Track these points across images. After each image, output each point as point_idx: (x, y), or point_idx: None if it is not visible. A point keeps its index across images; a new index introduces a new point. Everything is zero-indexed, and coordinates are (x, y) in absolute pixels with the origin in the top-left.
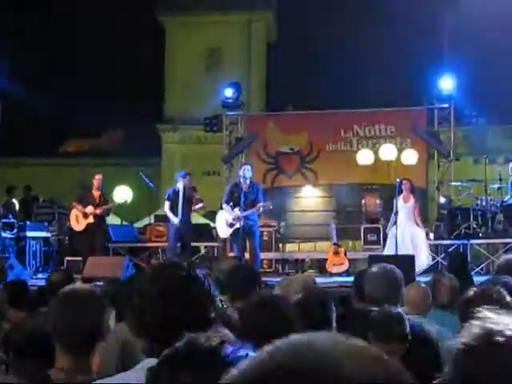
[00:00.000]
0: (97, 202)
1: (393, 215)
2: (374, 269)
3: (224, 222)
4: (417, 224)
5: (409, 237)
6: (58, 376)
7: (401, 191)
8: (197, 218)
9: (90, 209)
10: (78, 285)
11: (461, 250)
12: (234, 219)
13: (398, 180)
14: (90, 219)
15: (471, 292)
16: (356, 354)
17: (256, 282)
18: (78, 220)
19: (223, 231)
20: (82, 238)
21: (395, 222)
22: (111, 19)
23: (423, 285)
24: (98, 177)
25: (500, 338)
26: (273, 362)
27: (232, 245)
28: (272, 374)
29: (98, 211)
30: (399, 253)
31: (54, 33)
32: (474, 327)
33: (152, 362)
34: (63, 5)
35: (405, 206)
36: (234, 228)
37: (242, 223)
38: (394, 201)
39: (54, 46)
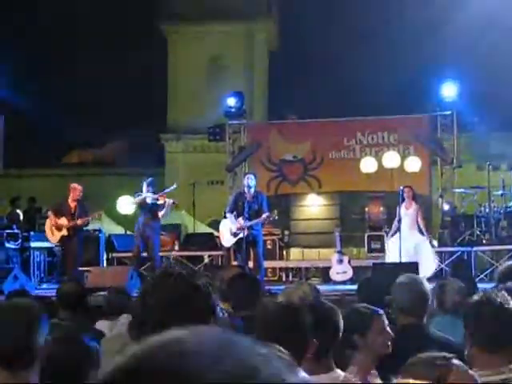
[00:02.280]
0: (71, 213)
1: (396, 223)
2: (404, 279)
3: (228, 232)
4: (420, 230)
5: (412, 244)
6: None
7: (403, 199)
8: (200, 227)
9: (63, 221)
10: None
11: (465, 256)
12: (237, 229)
13: (400, 187)
14: (64, 232)
15: (475, 297)
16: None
17: (258, 291)
18: (53, 232)
19: (227, 240)
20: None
21: (398, 230)
22: (113, 29)
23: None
24: (76, 187)
25: None
26: (141, 358)
27: (236, 254)
28: (138, 371)
29: (72, 223)
30: (402, 260)
31: (56, 44)
32: None
33: None
34: (64, 15)
35: (407, 213)
36: (237, 238)
37: (245, 233)
38: (397, 209)
39: (55, 57)
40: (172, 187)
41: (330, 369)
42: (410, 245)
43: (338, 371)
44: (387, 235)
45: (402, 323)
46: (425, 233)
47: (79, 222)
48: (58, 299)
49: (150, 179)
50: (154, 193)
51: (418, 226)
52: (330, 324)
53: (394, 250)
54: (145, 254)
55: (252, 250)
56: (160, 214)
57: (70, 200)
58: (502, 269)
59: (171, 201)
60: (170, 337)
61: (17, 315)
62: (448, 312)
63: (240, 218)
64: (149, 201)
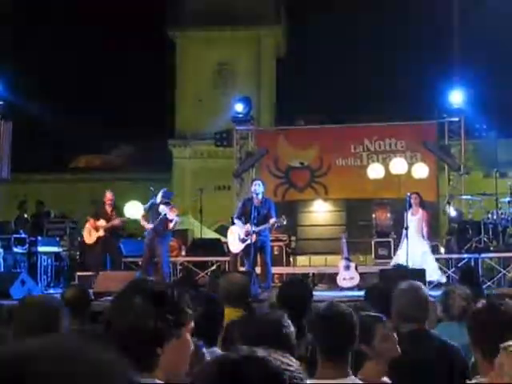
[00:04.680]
0: (109, 217)
1: (404, 230)
2: (403, 286)
3: (236, 237)
4: (423, 235)
5: (419, 251)
6: None
7: (410, 205)
8: (208, 233)
9: (101, 222)
10: None
11: (472, 263)
12: (245, 234)
13: (407, 194)
14: (101, 233)
15: (480, 304)
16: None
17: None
18: (90, 234)
19: (235, 246)
20: (93, 252)
21: (406, 236)
22: (122, 35)
23: (431, 298)
24: (109, 194)
25: None
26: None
27: (243, 259)
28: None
29: (108, 225)
30: (409, 266)
31: (65, 49)
32: None
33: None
34: (74, 20)
35: (413, 219)
36: (245, 243)
37: (253, 239)
38: (405, 215)
39: (64, 61)
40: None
41: (346, 375)
42: (417, 251)
43: (353, 377)
44: (394, 242)
45: (403, 330)
46: (425, 240)
47: (116, 221)
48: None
49: (165, 190)
50: (168, 203)
51: (422, 232)
52: (345, 327)
53: (402, 257)
54: (155, 260)
55: (260, 255)
56: (170, 225)
57: (106, 205)
58: None
59: (179, 219)
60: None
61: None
62: (454, 319)
63: (248, 224)
64: (161, 211)
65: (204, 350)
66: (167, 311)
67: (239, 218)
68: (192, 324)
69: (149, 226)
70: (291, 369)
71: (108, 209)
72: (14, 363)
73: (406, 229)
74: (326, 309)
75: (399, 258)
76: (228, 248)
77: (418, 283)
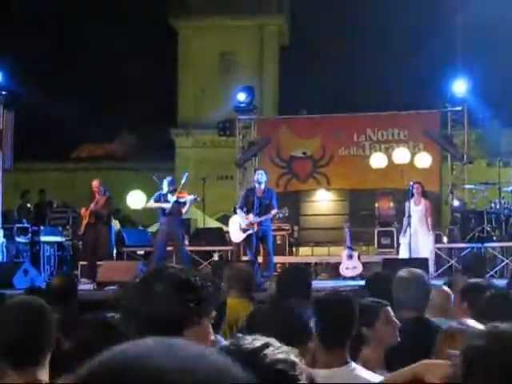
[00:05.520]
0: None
1: (405, 219)
2: (403, 273)
3: (237, 227)
4: (427, 227)
5: (419, 240)
6: None
7: (412, 195)
8: (210, 222)
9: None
10: None
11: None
12: (247, 225)
13: (410, 183)
14: (87, 220)
15: (487, 294)
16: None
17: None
18: (82, 223)
19: (236, 236)
20: (84, 242)
21: (409, 225)
22: (124, 23)
23: (446, 288)
24: (95, 182)
25: None
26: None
27: (245, 249)
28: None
29: (89, 210)
30: (412, 256)
31: (67, 37)
32: None
33: None
34: (77, 9)
35: (416, 209)
36: (247, 233)
37: (255, 229)
38: (407, 204)
39: (66, 50)
40: (184, 178)
41: (344, 362)
42: (418, 241)
43: (353, 364)
44: (397, 231)
45: (403, 317)
46: (430, 230)
47: (94, 206)
48: (48, 293)
49: (170, 178)
50: (175, 190)
51: (426, 223)
52: (345, 315)
53: (404, 247)
54: (169, 248)
55: (262, 245)
56: (183, 210)
57: (96, 195)
58: None
59: (192, 196)
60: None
61: (25, 312)
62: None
63: (250, 214)
64: (171, 201)
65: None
66: (190, 299)
67: (241, 208)
68: (213, 313)
69: (166, 205)
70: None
71: (97, 197)
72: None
73: (409, 217)
74: (326, 296)
75: (402, 250)
76: (230, 237)
77: (419, 271)
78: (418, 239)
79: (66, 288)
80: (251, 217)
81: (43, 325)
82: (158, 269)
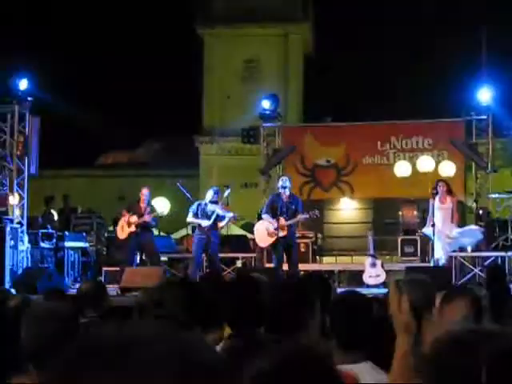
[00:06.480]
0: (142, 213)
1: (429, 216)
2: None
3: (265, 231)
4: (455, 223)
5: (443, 238)
6: None
7: (437, 193)
8: (234, 230)
9: (133, 218)
10: None
11: (499, 262)
12: (275, 228)
13: (435, 180)
14: (132, 228)
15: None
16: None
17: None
18: (123, 229)
19: (263, 241)
20: (124, 248)
21: (433, 225)
22: (150, 32)
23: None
24: (145, 190)
25: None
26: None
27: (270, 255)
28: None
29: (140, 220)
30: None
31: (92, 45)
32: None
33: None
34: (101, 19)
35: (441, 207)
36: (274, 238)
37: (284, 233)
38: (431, 201)
39: (93, 59)
40: (227, 192)
41: (358, 360)
42: (442, 238)
43: (363, 363)
44: (421, 239)
45: None
46: (455, 227)
47: (147, 217)
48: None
49: (216, 188)
50: (216, 202)
51: (452, 218)
52: (360, 313)
53: (438, 246)
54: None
55: (289, 252)
56: (220, 224)
57: (141, 202)
58: None
59: (232, 214)
60: None
61: (52, 317)
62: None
63: (281, 218)
64: (210, 210)
65: None
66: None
67: (267, 213)
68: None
69: (205, 222)
70: None
71: (142, 205)
72: None
73: (433, 226)
74: (344, 295)
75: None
76: (254, 244)
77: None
78: (442, 237)
79: (96, 293)
80: (282, 220)
81: (73, 333)
82: (172, 279)
